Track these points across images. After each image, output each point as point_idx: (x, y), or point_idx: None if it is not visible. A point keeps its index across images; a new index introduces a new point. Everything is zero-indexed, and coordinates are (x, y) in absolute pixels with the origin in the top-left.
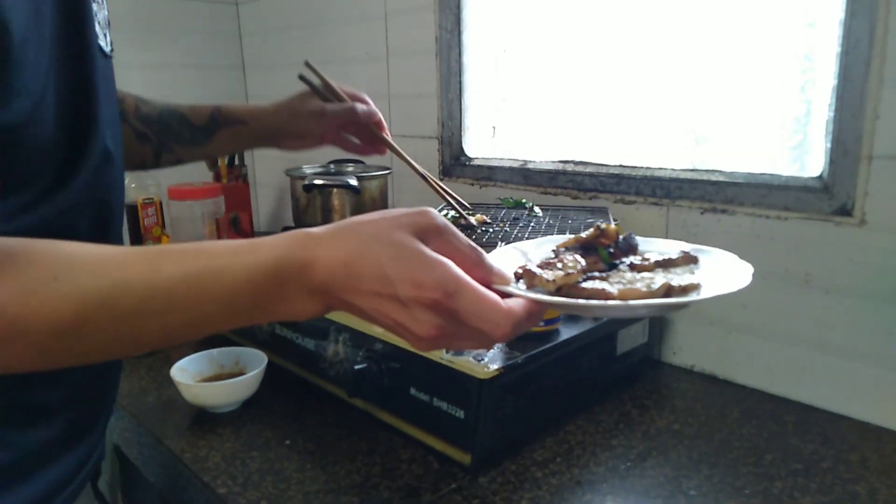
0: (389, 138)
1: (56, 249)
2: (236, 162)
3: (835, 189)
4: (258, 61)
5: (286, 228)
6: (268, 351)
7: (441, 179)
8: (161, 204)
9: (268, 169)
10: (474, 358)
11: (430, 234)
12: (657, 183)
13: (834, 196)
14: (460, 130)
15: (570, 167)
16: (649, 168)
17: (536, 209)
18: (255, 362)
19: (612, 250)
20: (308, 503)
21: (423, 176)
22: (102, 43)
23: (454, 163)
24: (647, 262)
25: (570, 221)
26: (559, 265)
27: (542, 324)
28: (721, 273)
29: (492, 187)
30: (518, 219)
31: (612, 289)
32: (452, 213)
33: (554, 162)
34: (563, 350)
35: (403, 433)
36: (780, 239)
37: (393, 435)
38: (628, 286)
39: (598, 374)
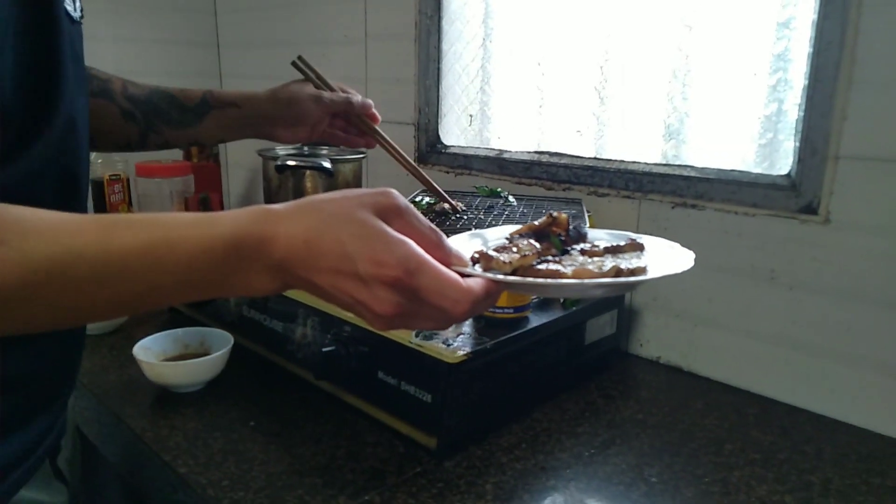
0: (381, 132)
1: (6, 213)
2: None
3: (802, 187)
4: (234, 39)
5: None
6: (234, 332)
7: (417, 167)
8: (128, 181)
9: (240, 149)
10: (443, 343)
11: (391, 214)
12: (630, 176)
13: (801, 194)
14: (437, 117)
15: (545, 158)
16: (623, 161)
17: (511, 198)
18: (221, 343)
19: (563, 237)
20: (271, 484)
21: (414, 170)
22: (70, 7)
23: (430, 150)
24: (596, 248)
25: (543, 211)
26: (514, 249)
27: (511, 311)
28: (666, 258)
29: (467, 176)
30: (493, 207)
31: (566, 270)
32: (427, 198)
33: (529, 153)
34: (532, 338)
35: (370, 416)
36: (748, 235)
37: (359, 418)
38: (580, 268)
39: (565, 363)
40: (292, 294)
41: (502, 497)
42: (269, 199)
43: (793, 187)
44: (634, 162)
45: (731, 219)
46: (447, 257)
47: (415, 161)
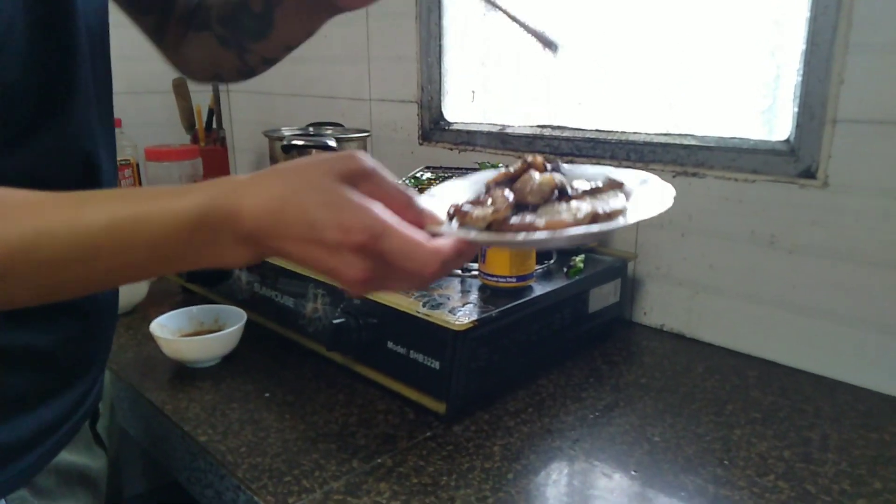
0: None
1: None
2: (214, 125)
3: (800, 152)
4: None
5: None
6: (247, 309)
7: (420, 144)
8: (138, 166)
9: (245, 133)
10: (449, 312)
11: (358, 177)
12: (631, 147)
13: (799, 159)
14: (440, 94)
15: (547, 132)
16: (624, 132)
17: None
18: (235, 319)
19: None
20: (287, 449)
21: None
22: None
23: (433, 127)
24: (575, 192)
25: None
26: (489, 202)
27: (514, 280)
28: (646, 196)
29: (470, 152)
30: None
31: (540, 221)
32: (428, 174)
33: (532, 126)
34: (536, 306)
35: (380, 385)
36: (748, 201)
37: (370, 387)
38: (555, 217)
39: (570, 331)
40: (302, 270)
41: (510, 458)
42: None
43: (791, 152)
44: (636, 133)
45: (731, 186)
46: (419, 217)
47: (419, 140)
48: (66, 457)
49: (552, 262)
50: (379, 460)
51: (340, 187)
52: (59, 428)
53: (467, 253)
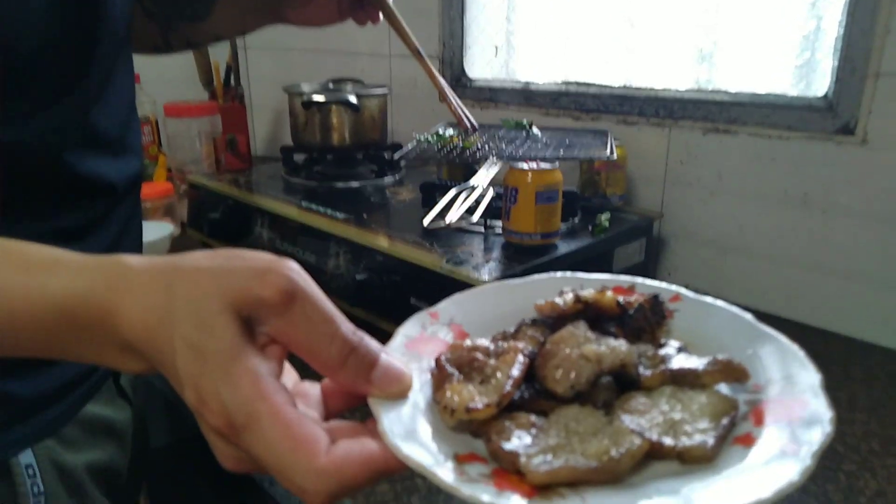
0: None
1: None
2: (232, 82)
3: (839, 107)
4: None
5: (284, 149)
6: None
7: (441, 101)
8: (157, 122)
9: (264, 89)
10: (473, 268)
11: (264, 310)
12: (660, 103)
13: (838, 115)
14: (462, 50)
15: (572, 88)
16: (653, 89)
17: (535, 129)
18: None
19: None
20: None
21: (421, 60)
22: None
23: (455, 84)
24: (655, 372)
25: (567, 142)
26: (487, 366)
27: (539, 237)
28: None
29: (493, 109)
30: (515, 139)
31: (529, 453)
32: (451, 130)
33: (557, 83)
34: (560, 264)
35: None
36: (781, 159)
37: None
38: (574, 440)
39: None
40: (322, 225)
41: None
42: (296, 136)
43: (829, 108)
44: (665, 89)
45: (764, 143)
46: (361, 379)
47: (439, 98)
48: (92, 409)
49: (577, 219)
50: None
51: (224, 323)
52: (84, 382)
53: (392, 470)
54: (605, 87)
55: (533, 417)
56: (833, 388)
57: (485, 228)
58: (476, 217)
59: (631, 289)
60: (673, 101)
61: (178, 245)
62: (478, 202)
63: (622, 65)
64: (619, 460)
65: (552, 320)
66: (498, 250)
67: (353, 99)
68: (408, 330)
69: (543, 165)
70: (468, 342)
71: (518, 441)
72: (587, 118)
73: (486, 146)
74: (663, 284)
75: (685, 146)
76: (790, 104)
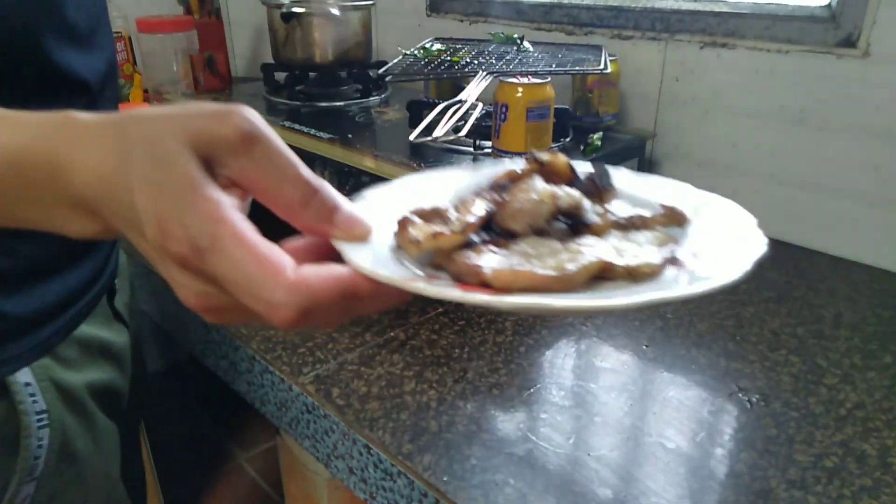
0: None
1: None
2: None
3: (842, 18)
4: None
5: (265, 67)
6: None
7: (428, 16)
8: (130, 39)
9: (242, 3)
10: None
11: (224, 150)
12: (657, 15)
13: (840, 26)
14: None
15: (565, 0)
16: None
17: (526, 44)
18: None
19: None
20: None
21: None
22: None
23: None
24: (599, 221)
25: (559, 56)
26: (447, 212)
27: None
28: (711, 247)
29: (482, 23)
30: (506, 53)
31: (494, 265)
32: (438, 45)
33: None
34: None
35: None
36: (779, 74)
37: None
38: (534, 261)
39: None
40: (306, 146)
41: (521, 333)
42: (277, 53)
43: (832, 18)
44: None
45: (762, 57)
46: (325, 218)
47: (427, 11)
48: (87, 330)
49: (569, 139)
50: (391, 334)
51: (183, 160)
52: (77, 300)
53: (373, 297)
54: None
55: (494, 248)
56: (818, 306)
57: (474, 148)
58: (464, 132)
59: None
60: (670, 13)
61: None
62: (466, 119)
63: None
64: (575, 272)
65: (509, 182)
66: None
67: (335, 10)
68: (369, 193)
69: (535, 80)
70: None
71: (481, 259)
72: (580, 33)
73: (476, 61)
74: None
75: (681, 62)
76: (791, 14)
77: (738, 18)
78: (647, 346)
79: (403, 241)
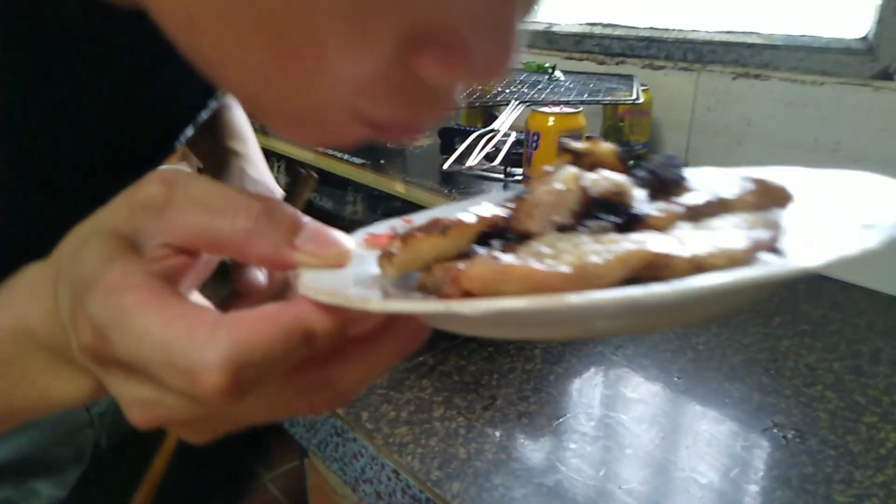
0: None
1: None
2: None
3: (879, 51)
4: None
5: None
6: None
7: None
8: None
9: None
10: None
11: (145, 214)
12: (689, 46)
13: (877, 58)
14: None
15: (597, 29)
16: (681, 31)
17: (558, 73)
18: None
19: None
20: None
21: None
22: None
23: None
24: (667, 210)
25: (591, 86)
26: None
27: None
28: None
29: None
30: (538, 82)
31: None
32: None
33: (581, 24)
34: None
35: None
36: (814, 106)
37: None
38: (547, 260)
39: None
40: (339, 171)
41: (551, 360)
42: None
43: (869, 51)
44: (694, 30)
45: (796, 89)
46: (281, 246)
47: None
48: None
49: None
50: (420, 359)
51: (95, 244)
52: None
53: (344, 332)
54: (631, 28)
55: (498, 254)
56: (856, 342)
57: (504, 175)
58: (496, 162)
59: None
60: (702, 44)
61: None
62: (498, 148)
63: (649, 5)
64: (600, 265)
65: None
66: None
67: None
68: (373, 228)
69: (566, 109)
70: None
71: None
72: (612, 62)
73: (508, 90)
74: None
75: (713, 92)
76: (826, 46)
77: (771, 50)
78: (678, 377)
79: (384, 263)
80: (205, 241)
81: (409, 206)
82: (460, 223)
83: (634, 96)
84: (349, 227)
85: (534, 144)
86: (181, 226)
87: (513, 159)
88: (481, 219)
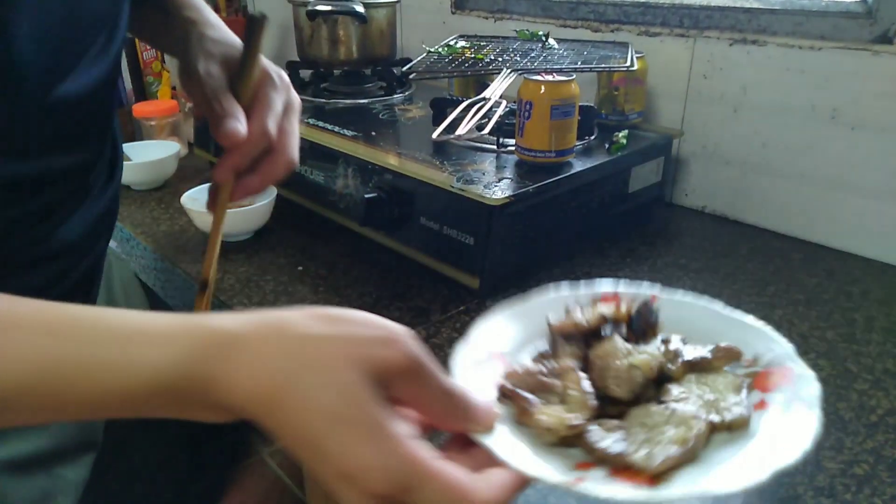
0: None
1: None
2: None
3: (878, 13)
4: None
5: (290, 64)
6: (277, 185)
7: (453, 13)
8: None
9: (268, 2)
10: (485, 186)
11: (395, 375)
12: (685, 12)
13: (876, 21)
14: None
15: None
16: None
17: (552, 41)
18: (265, 194)
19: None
20: None
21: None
22: None
23: None
24: (678, 366)
25: (585, 53)
26: (557, 386)
27: (553, 155)
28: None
29: (508, 20)
30: (531, 51)
31: (632, 451)
32: (462, 42)
33: None
34: (574, 183)
35: (414, 261)
36: (811, 71)
37: (403, 262)
38: (657, 436)
39: (607, 210)
40: (330, 143)
41: None
42: (302, 50)
43: (868, 14)
44: None
45: (794, 54)
46: (463, 423)
47: (451, 8)
48: None
49: (593, 137)
50: (413, 331)
51: (367, 395)
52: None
53: (521, 488)
54: None
55: (616, 422)
56: (849, 310)
57: (497, 146)
58: (487, 130)
59: (616, 296)
60: (699, 9)
61: (185, 163)
62: (489, 116)
63: None
64: (696, 443)
65: (580, 336)
66: (511, 168)
67: (359, 8)
68: (460, 369)
69: (559, 77)
70: (517, 367)
71: (616, 443)
72: (606, 29)
73: (500, 58)
74: (642, 287)
75: (709, 59)
76: (825, 10)
77: (768, 14)
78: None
79: (537, 426)
80: (422, 409)
81: (401, 179)
82: (594, 406)
83: (629, 63)
84: (340, 199)
85: (526, 113)
86: (415, 397)
87: (505, 129)
88: (593, 396)
